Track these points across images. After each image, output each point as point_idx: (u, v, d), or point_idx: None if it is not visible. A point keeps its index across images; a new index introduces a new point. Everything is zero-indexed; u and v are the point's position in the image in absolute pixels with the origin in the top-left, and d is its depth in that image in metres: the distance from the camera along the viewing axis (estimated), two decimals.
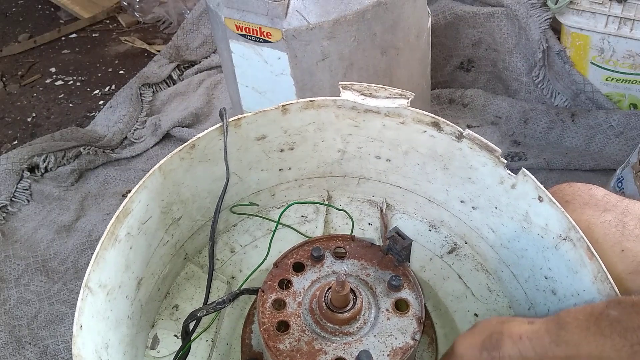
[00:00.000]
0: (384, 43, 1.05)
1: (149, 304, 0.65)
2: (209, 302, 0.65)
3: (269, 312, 0.57)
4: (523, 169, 0.60)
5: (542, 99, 1.52)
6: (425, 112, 0.66)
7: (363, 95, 0.68)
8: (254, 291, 0.63)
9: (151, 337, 0.66)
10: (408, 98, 0.67)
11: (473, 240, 0.73)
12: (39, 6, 2.37)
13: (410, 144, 0.71)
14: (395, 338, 0.55)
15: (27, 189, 1.45)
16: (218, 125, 0.65)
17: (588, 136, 1.40)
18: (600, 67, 1.41)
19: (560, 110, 1.46)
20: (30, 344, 1.15)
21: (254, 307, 0.65)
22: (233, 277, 0.73)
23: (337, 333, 0.55)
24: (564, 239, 0.57)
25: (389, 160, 0.74)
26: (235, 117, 0.66)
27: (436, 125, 0.66)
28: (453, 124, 0.65)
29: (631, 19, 1.30)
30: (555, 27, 1.45)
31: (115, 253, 0.57)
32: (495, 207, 0.66)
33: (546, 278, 0.61)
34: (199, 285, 0.71)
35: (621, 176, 1.09)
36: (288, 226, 0.77)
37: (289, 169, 0.76)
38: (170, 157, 0.63)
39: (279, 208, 0.79)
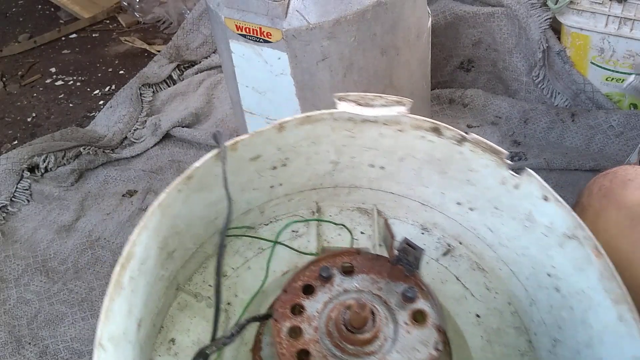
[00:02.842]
0: (384, 43, 1.05)
1: (146, 343, 0.63)
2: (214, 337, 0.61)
3: (287, 342, 0.54)
4: (527, 169, 0.60)
5: (542, 99, 1.52)
6: (425, 118, 0.64)
7: (359, 105, 0.66)
8: (260, 318, 0.61)
9: None
10: (406, 105, 0.65)
11: (468, 239, 0.73)
12: (39, 6, 2.37)
13: (407, 151, 0.69)
14: (419, 351, 0.54)
15: (27, 189, 1.45)
16: (215, 151, 0.63)
17: (588, 136, 1.40)
18: (601, 67, 1.41)
19: (560, 110, 1.46)
20: (30, 344, 1.15)
21: (260, 334, 0.63)
22: (229, 304, 0.69)
23: (359, 354, 0.54)
24: (570, 238, 0.56)
25: (383, 168, 0.73)
26: (232, 141, 0.64)
27: (436, 130, 0.64)
28: (454, 129, 0.63)
29: (631, 19, 1.30)
30: (555, 27, 1.45)
31: (121, 301, 0.54)
32: (495, 208, 0.66)
33: (549, 275, 0.61)
34: (194, 316, 0.68)
35: None
36: (280, 243, 0.74)
37: (280, 185, 0.74)
38: (168, 192, 0.60)
39: (267, 225, 0.77)
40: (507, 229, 0.66)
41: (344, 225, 0.76)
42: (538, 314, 0.64)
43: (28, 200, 1.44)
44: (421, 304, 0.57)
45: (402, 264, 0.59)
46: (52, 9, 2.33)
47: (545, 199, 0.58)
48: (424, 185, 0.72)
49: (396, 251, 0.58)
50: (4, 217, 1.40)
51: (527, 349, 0.65)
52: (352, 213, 0.78)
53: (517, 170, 0.60)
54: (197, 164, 0.62)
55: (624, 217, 0.64)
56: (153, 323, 0.64)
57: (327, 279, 0.59)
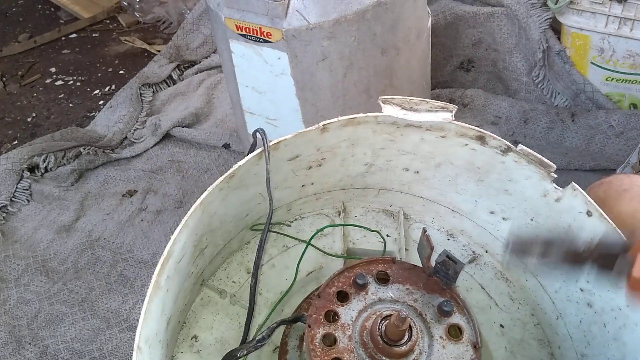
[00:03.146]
0: (384, 43, 1.05)
1: (170, 340, 0.62)
2: (245, 338, 0.61)
3: (320, 349, 0.53)
4: (573, 183, 0.59)
5: (542, 99, 1.52)
6: (472, 126, 0.64)
7: (404, 109, 0.65)
8: (289, 321, 0.60)
9: None
10: (451, 111, 0.64)
11: (496, 248, 0.71)
12: (39, 6, 2.37)
13: (446, 157, 0.68)
14: None
15: (27, 189, 1.45)
16: (259, 150, 0.63)
17: (588, 136, 1.40)
18: (600, 67, 1.41)
19: (560, 110, 1.46)
20: (30, 344, 1.15)
21: (286, 336, 0.62)
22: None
23: None
24: None
25: (417, 172, 0.72)
26: (275, 141, 0.64)
27: (481, 138, 0.63)
28: (500, 138, 0.62)
29: (631, 19, 1.30)
30: (555, 27, 1.45)
31: (157, 301, 0.54)
32: (531, 219, 0.65)
33: (582, 290, 0.60)
34: (217, 312, 0.67)
35: None
36: (305, 241, 0.74)
37: (312, 184, 0.73)
38: (211, 191, 0.60)
39: (292, 222, 0.77)
40: None
41: (378, 232, 0.74)
42: (564, 328, 0.63)
43: (28, 200, 1.44)
44: (457, 318, 0.56)
45: (439, 276, 0.57)
46: (52, 9, 2.33)
47: (589, 214, 0.58)
48: (457, 192, 0.71)
49: (435, 263, 0.57)
50: (4, 217, 1.40)
51: None
52: (378, 215, 0.77)
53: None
54: (239, 163, 0.61)
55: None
56: (178, 320, 0.64)
57: (362, 287, 0.57)
